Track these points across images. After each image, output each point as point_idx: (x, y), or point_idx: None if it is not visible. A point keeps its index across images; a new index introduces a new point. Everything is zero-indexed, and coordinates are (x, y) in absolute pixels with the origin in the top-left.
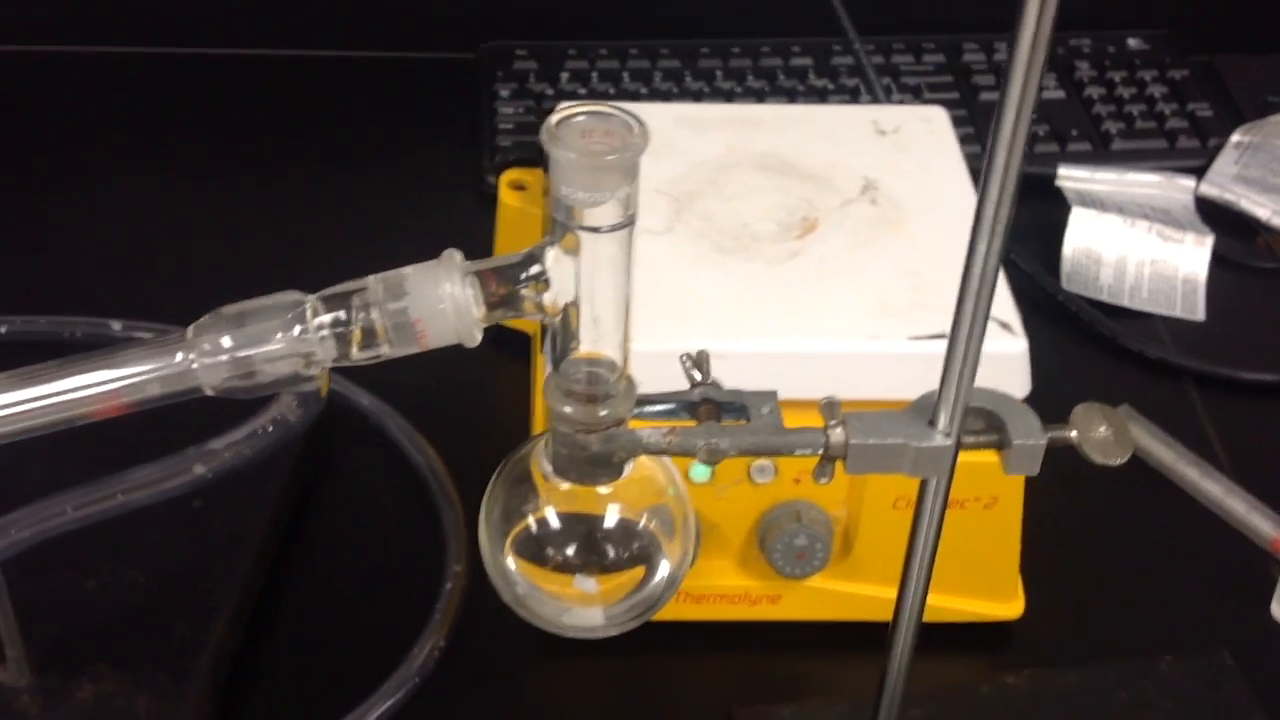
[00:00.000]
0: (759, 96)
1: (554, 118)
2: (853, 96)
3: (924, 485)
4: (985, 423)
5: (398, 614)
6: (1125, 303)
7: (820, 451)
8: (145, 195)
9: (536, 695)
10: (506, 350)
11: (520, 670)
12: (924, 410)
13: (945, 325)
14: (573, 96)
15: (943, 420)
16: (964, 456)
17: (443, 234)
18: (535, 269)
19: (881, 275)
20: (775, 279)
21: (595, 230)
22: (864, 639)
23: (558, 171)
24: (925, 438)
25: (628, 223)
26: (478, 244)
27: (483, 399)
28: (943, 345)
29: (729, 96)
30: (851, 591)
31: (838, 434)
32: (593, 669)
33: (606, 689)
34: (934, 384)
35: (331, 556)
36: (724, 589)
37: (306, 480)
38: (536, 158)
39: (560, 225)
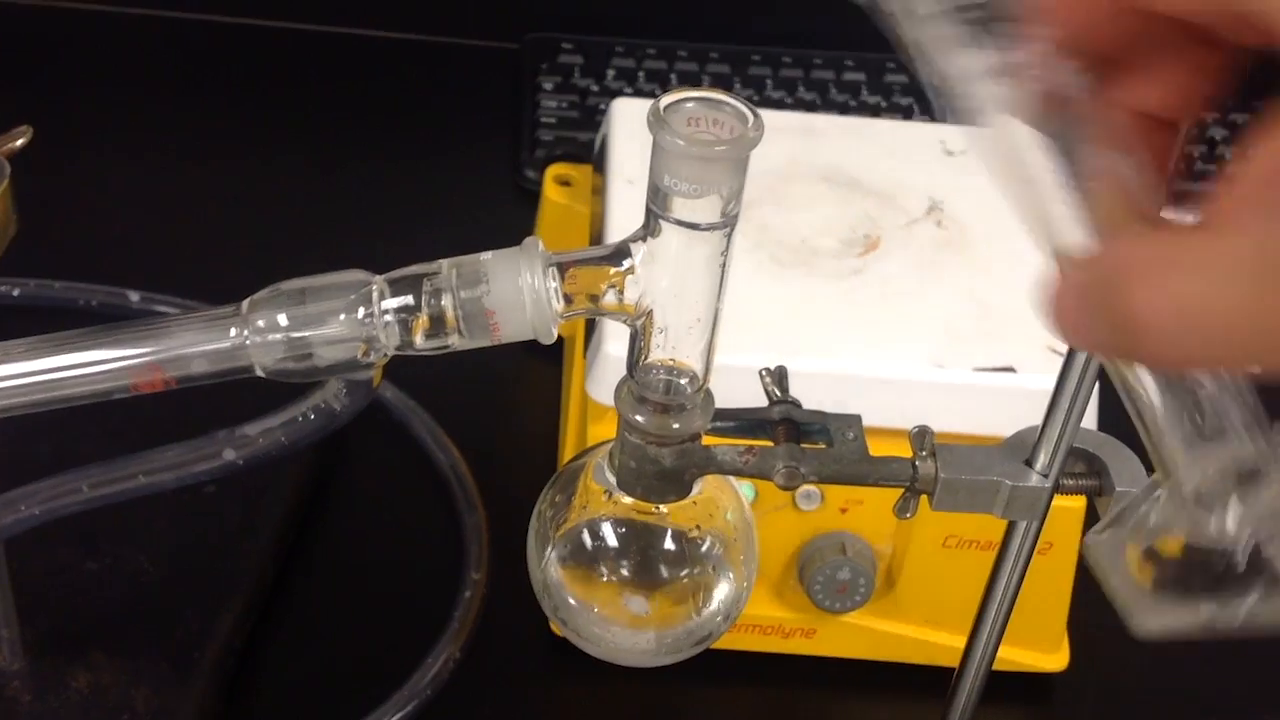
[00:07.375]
0: (809, 108)
1: (664, 100)
2: (905, 116)
3: (1010, 529)
4: (1086, 466)
5: (412, 619)
6: None
7: (906, 484)
8: (177, 169)
9: (552, 716)
10: (538, 352)
11: (537, 689)
12: (1020, 448)
13: (1012, 358)
14: (618, 94)
15: (1041, 459)
16: None
17: (476, 225)
18: (624, 264)
19: (946, 301)
20: (835, 296)
21: (693, 227)
22: (898, 681)
23: (660, 159)
24: (1021, 477)
25: (729, 223)
26: (513, 238)
27: (511, 402)
28: (1008, 379)
29: (778, 106)
30: (890, 631)
31: (928, 466)
32: (611, 693)
33: (624, 716)
34: (996, 418)
35: (346, 554)
36: (756, 619)
37: (323, 472)
38: (577, 153)
39: (655, 218)
